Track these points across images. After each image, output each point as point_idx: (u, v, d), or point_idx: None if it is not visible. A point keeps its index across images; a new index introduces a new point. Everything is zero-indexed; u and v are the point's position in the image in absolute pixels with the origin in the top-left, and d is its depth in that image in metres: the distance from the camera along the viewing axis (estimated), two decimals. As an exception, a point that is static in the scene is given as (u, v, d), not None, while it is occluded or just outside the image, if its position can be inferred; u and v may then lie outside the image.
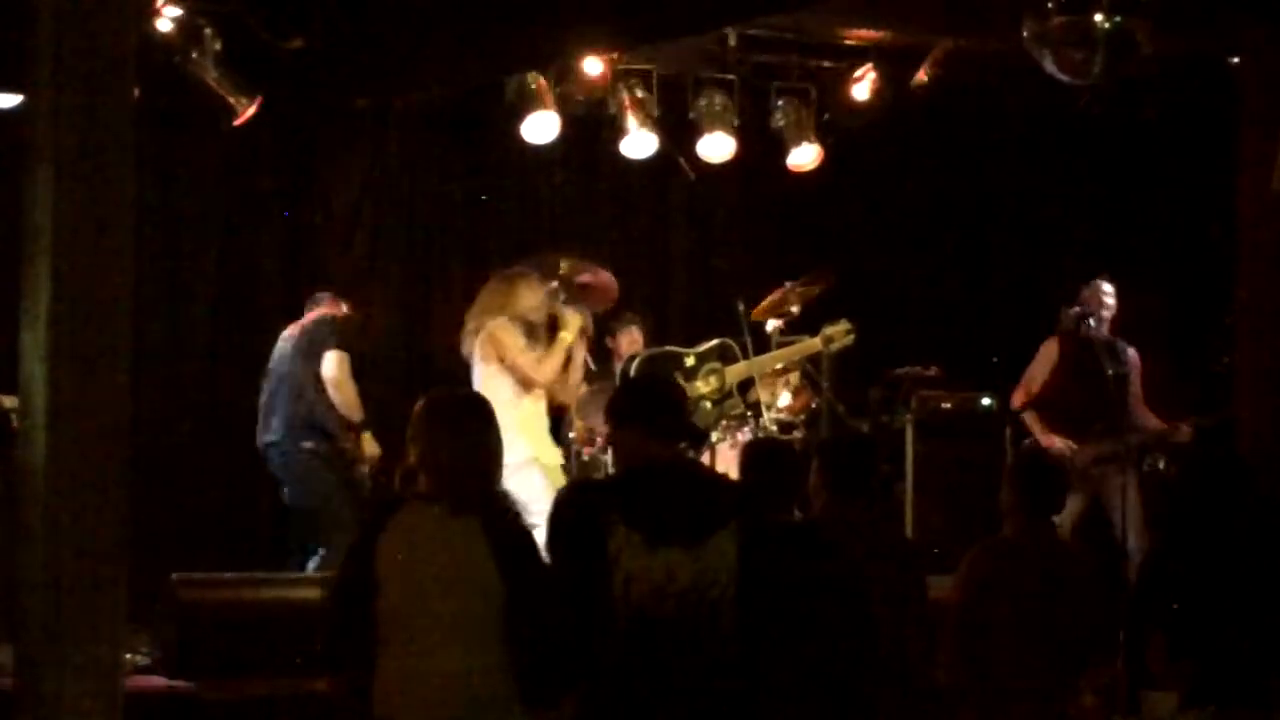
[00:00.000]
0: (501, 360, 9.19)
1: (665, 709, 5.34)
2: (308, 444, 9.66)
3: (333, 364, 9.60)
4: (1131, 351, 10.23)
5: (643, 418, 5.60)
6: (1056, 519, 7.30)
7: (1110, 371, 9.90)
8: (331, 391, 9.60)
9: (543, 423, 9.40)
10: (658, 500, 5.42)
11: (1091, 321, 10.08)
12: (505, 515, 5.27)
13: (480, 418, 5.37)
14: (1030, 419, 10.16)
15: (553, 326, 9.45)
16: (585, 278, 10.03)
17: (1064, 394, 10.10)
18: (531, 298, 9.39)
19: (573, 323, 9.44)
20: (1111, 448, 9.83)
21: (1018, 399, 10.26)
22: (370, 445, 9.69)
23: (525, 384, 9.22)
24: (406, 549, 5.14)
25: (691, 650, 5.35)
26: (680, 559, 5.35)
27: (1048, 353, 10.23)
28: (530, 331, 9.36)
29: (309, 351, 9.68)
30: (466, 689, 5.11)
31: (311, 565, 9.44)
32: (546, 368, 9.27)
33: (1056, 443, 9.89)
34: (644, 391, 5.99)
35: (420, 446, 5.30)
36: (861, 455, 6.90)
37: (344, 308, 9.98)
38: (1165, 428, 9.99)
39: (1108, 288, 10.17)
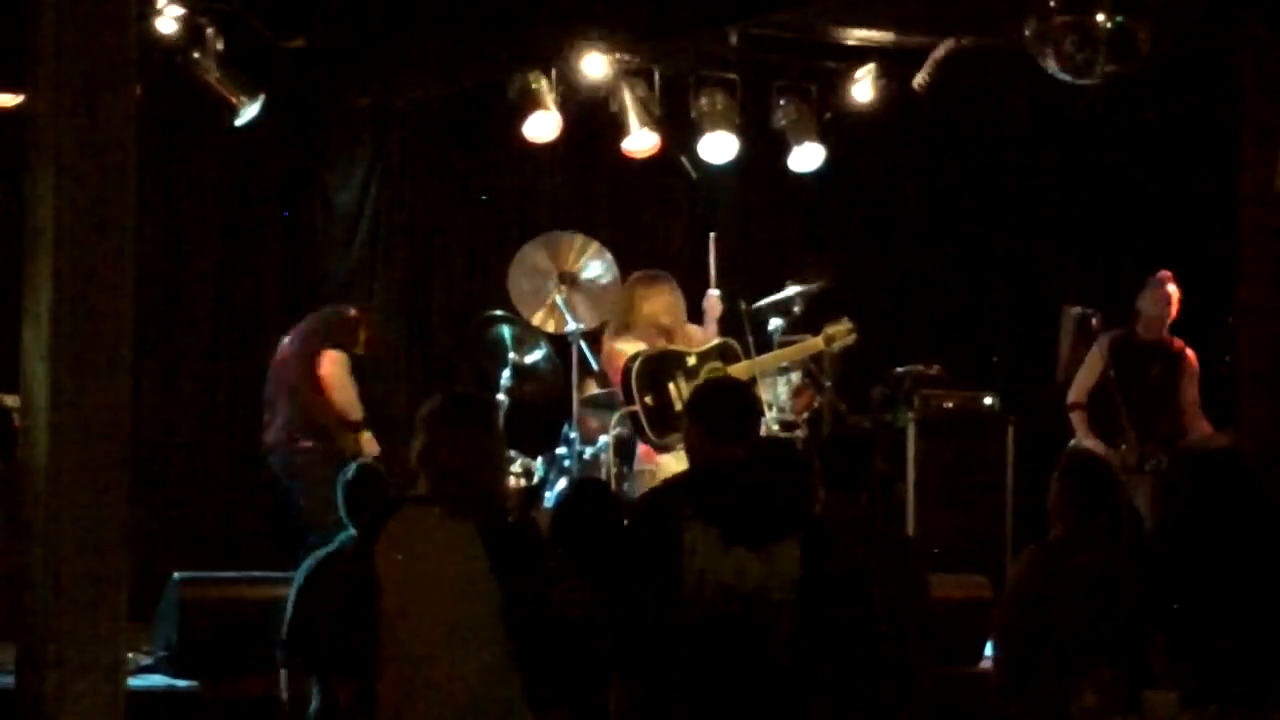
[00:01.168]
0: None
1: (725, 706, 5.40)
2: (306, 443, 9.67)
3: (329, 363, 9.61)
4: (1189, 354, 10.15)
5: (708, 418, 5.67)
6: None
7: (1156, 376, 9.88)
8: (329, 390, 9.61)
9: None
10: (730, 500, 5.50)
11: (1094, 321, 10.07)
12: (503, 518, 5.27)
13: (485, 421, 5.37)
14: (1076, 419, 10.12)
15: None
16: (592, 275, 10.09)
17: (1106, 400, 10.05)
18: (656, 302, 9.52)
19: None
20: (1149, 459, 9.78)
21: (1072, 396, 10.20)
22: (370, 444, 9.68)
23: None
24: (405, 553, 5.13)
25: (753, 651, 5.43)
26: (750, 560, 5.42)
27: (1094, 355, 10.16)
28: (663, 334, 9.55)
29: (305, 351, 9.69)
30: (470, 693, 5.10)
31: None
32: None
33: (1092, 445, 9.84)
34: (712, 393, 6.02)
35: (422, 447, 5.30)
36: (857, 452, 6.88)
37: (350, 311, 9.99)
38: (1212, 436, 9.90)
39: (1171, 288, 10.11)
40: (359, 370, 9.86)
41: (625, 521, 5.70)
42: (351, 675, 5.29)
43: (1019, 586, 6.67)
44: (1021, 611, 6.60)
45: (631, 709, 5.46)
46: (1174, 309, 10.12)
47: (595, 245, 10.28)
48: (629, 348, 9.70)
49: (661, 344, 9.72)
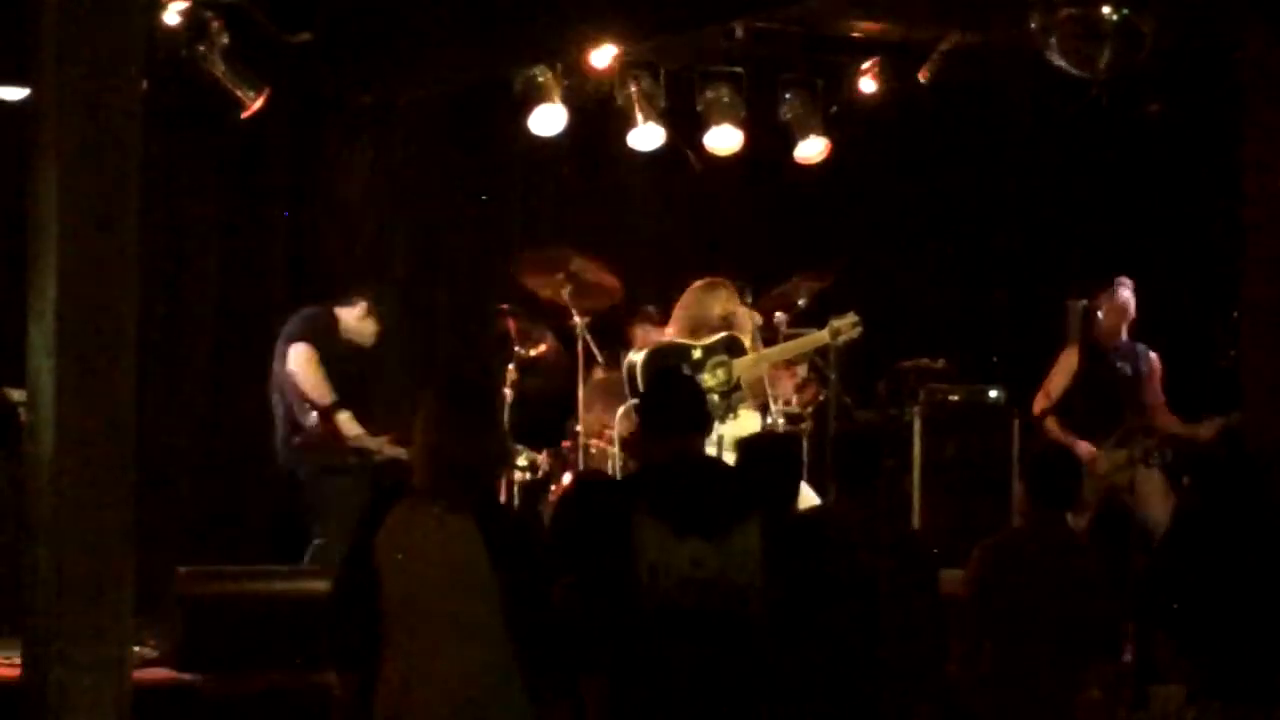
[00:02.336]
0: None
1: (692, 696, 5.42)
2: (296, 439, 9.73)
3: (294, 356, 9.71)
4: (1152, 356, 10.21)
5: (662, 413, 5.71)
6: (1070, 515, 7.27)
7: (1127, 376, 9.91)
8: (295, 380, 9.66)
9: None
10: (681, 492, 5.53)
11: (1106, 325, 10.08)
12: (503, 511, 5.27)
13: (481, 411, 5.35)
14: (1052, 425, 10.12)
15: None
16: (591, 276, 10.07)
17: (1083, 401, 10.07)
18: (728, 305, 9.58)
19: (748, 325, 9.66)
20: (1129, 453, 9.81)
21: (1038, 406, 10.22)
22: (349, 425, 9.69)
23: None
24: (404, 546, 5.12)
25: (718, 638, 5.46)
26: (705, 549, 5.45)
27: (1067, 360, 10.19)
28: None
29: (280, 350, 9.78)
30: (470, 686, 5.10)
31: (307, 556, 9.50)
32: None
33: (1081, 448, 9.85)
34: (664, 387, 6.03)
35: (420, 439, 5.28)
36: (866, 450, 6.89)
37: (326, 306, 10.00)
38: (1184, 429, 9.95)
39: (1126, 294, 10.14)
40: (367, 362, 9.89)
41: (570, 521, 5.70)
42: (351, 669, 5.29)
43: (980, 579, 6.68)
44: (978, 604, 6.63)
45: (600, 704, 5.44)
46: (1132, 312, 10.13)
47: (596, 262, 10.26)
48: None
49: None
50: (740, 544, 5.49)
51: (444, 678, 5.08)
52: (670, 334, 9.87)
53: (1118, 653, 6.58)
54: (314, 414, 9.70)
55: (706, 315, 9.71)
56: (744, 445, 6.81)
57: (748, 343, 9.64)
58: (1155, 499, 9.70)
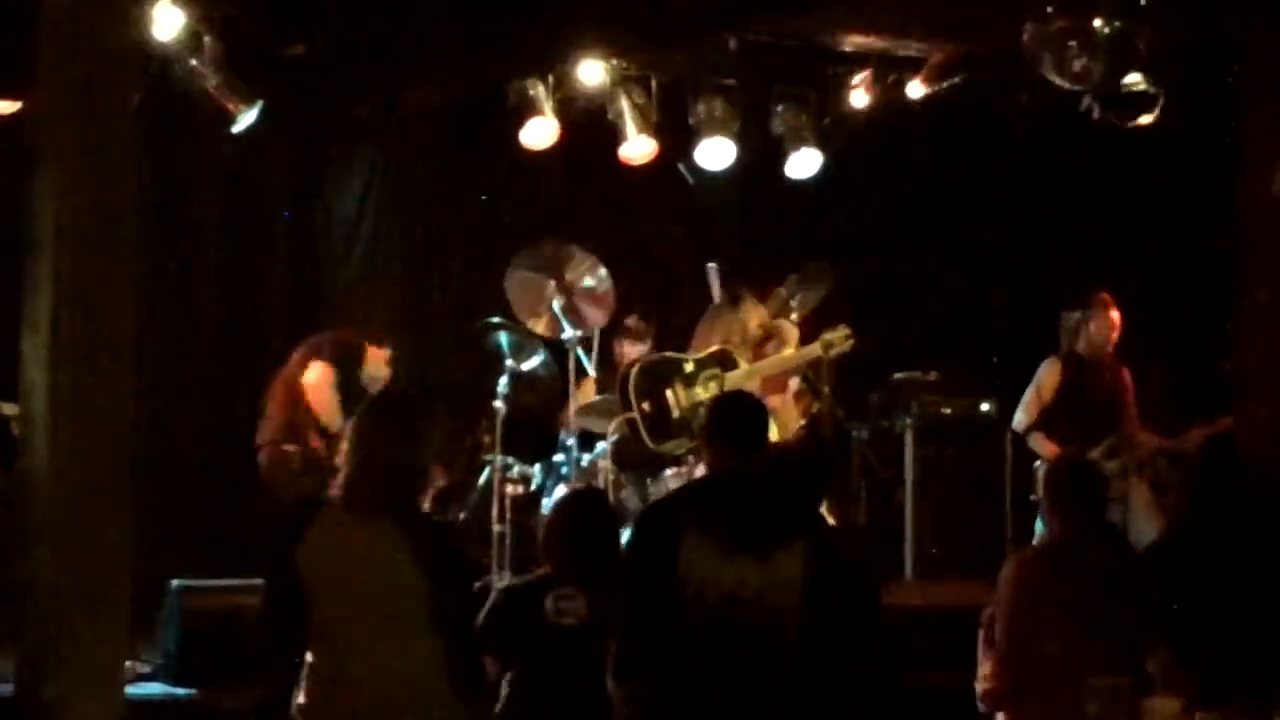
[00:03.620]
0: None
1: (729, 711, 5.49)
2: (288, 446, 9.69)
3: (314, 372, 9.67)
4: (1124, 372, 10.22)
5: (721, 432, 5.81)
6: None
7: (1113, 389, 9.93)
8: (308, 396, 9.64)
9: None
10: (730, 510, 5.61)
11: (1088, 341, 10.08)
12: (423, 517, 5.32)
13: (403, 422, 5.35)
14: (1037, 440, 10.11)
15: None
16: (590, 283, 10.08)
17: (1069, 414, 10.07)
18: (758, 315, 9.59)
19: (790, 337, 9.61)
20: (1118, 464, 9.81)
21: (1021, 421, 10.22)
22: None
23: None
24: (329, 555, 5.15)
25: (756, 656, 5.53)
26: (751, 568, 5.53)
27: (1049, 375, 10.18)
28: (764, 343, 9.78)
29: (300, 358, 9.78)
30: (401, 688, 5.14)
31: None
32: None
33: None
34: (725, 407, 6.08)
35: (349, 447, 5.30)
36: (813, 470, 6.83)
37: (361, 337, 9.99)
38: (1166, 443, 9.96)
39: (1114, 313, 10.13)
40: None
41: (625, 535, 5.78)
42: (277, 676, 5.29)
43: (1012, 592, 6.65)
44: (1018, 618, 6.60)
45: (633, 712, 5.51)
46: (1117, 331, 10.14)
47: (592, 259, 10.26)
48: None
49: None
50: (784, 565, 5.57)
51: (372, 679, 5.12)
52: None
53: (1134, 666, 6.53)
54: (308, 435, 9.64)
55: (746, 330, 9.70)
56: (778, 453, 6.77)
57: (791, 347, 9.58)
58: (1143, 512, 9.71)
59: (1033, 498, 9.75)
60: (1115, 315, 10.12)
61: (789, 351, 9.60)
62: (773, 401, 9.63)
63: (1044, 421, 10.09)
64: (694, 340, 10.15)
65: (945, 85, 11.17)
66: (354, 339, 9.98)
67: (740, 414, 5.94)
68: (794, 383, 10.49)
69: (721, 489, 5.74)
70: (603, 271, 10.23)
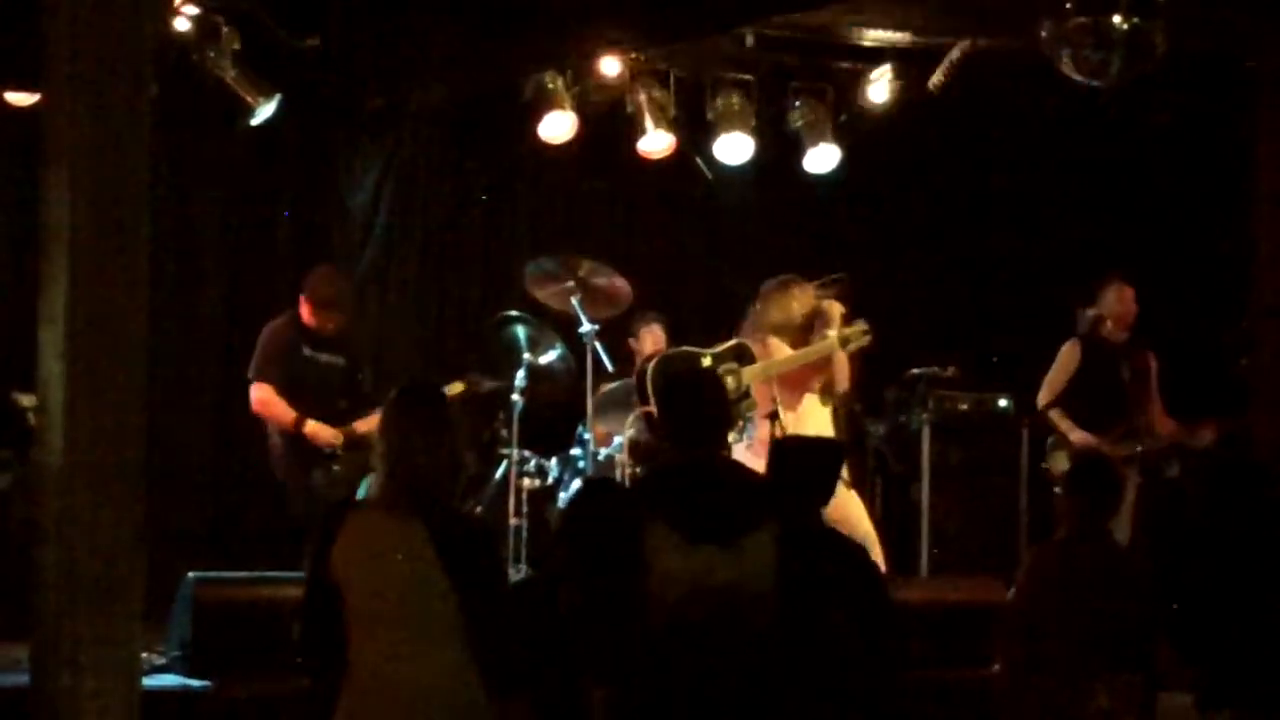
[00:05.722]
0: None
1: (700, 704, 5.40)
2: (276, 439, 9.62)
3: (254, 399, 9.43)
4: (1150, 356, 10.20)
5: (679, 417, 5.68)
6: None
7: (1127, 376, 9.90)
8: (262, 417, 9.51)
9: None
10: (694, 498, 5.50)
11: (1109, 324, 10.08)
12: (456, 516, 5.31)
13: (426, 418, 5.33)
14: (1056, 416, 10.12)
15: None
16: (601, 281, 10.05)
17: (1085, 397, 10.07)
18: (804, 302, 9.55)
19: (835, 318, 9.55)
20: (1129, 451, 9.81)
21: (1043, 399, 10.22)
22: (325, 433, 9.44)
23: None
24: (361, 555, 5.16)
25: (727, 646, 5.43)
26: (718, 557, 5.42)
27: (1069, 356, 10.19)
28: (806, 330, 9.54)
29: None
30: (431, 687, 5.13)
31: None
32: None
33: (1086, 439, 9.85)
34: (681, 389, 5.96)
35: (380, 447, 5.28)
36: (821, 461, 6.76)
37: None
38: (1183, 432, 9.95)
39: (1126, 291, 10.14)
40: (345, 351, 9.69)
41: (579, 528, 5.69)
42: (320, 674, 5.31)
43: (1027, 587, 6.66)
44: (1030, 612, 6.60)
45: (609, 711, 5.46)
46: (1135, 306, 10.13)
47: (605, 266, 10.22)
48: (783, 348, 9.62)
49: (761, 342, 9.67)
50: (754, 552, 5.46)
51: (405, 680, 5.12)
52: (756, 342, 9.74)
53: (1147, 663, 6.52)
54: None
55: (790, 318, 9.62)
56: (777, 446, 6.72)
57: (833, 333, 9.53)
58: (1123, 514, 9.67)
59: (1055, 490, 9.70)
60: (1130, 291, 10.12)
61: (831, 334, 9.51)
62: (794, 399, 9.58)
63: (1064, 400, 10.10)
64: (740, 330, 9.99)
65: (962, 80, 11.16)
66: (276, 325, 9.57)
67: (699, 397, 5.78)
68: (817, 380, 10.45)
69: (681, 478, 5.60)
70: (617, 276, 10.19)
